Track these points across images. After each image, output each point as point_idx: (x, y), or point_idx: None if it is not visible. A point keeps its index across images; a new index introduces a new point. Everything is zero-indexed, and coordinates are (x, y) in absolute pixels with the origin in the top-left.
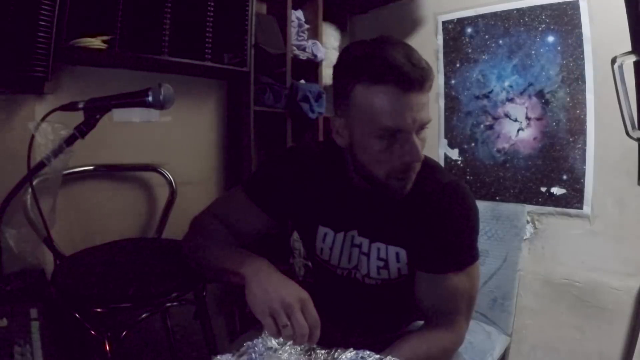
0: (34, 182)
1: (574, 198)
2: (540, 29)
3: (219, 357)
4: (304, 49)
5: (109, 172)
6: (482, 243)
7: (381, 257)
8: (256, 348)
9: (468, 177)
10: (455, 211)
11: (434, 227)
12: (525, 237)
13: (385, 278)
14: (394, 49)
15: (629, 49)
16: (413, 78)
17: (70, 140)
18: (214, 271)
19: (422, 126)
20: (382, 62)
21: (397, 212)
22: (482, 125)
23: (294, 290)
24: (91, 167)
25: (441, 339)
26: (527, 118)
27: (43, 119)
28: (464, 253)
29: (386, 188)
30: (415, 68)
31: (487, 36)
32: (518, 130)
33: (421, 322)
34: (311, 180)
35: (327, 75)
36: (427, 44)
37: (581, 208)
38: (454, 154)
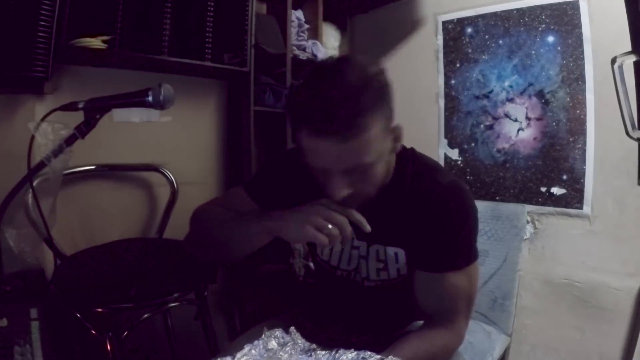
0: (34, 182)
1: (574, 198)
2: (540, 29)
3: (219, 359)
4: (304, 49)
5: (109, 172)
6: (482, 243)
7: (380, 259)
8: (256, 350)
9: (468, 177)
10: (454, 211)
11: (433, 226)
12: (525, 237)
13: (384, 279)
14: (317, 91)
15: (629, 49)
16: (320, 128)
17: (70, 140)
18: (229, 249)
19: (353, 168)
20: (297, 106)
21: (396, 213)
22: (482, 125)
23: (312, 202)
24: (91, 167)
25: (441, 338)
26: (527, 118)
27: (43, 119)
28: (463, 253)
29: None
30: (326, 119)
31: (487, 36)
32: (518, 130)
33: (421, 322)
34: (312, 181)
35: None
36: (427, 44)
37: (581, 208)
38: (454, 154)
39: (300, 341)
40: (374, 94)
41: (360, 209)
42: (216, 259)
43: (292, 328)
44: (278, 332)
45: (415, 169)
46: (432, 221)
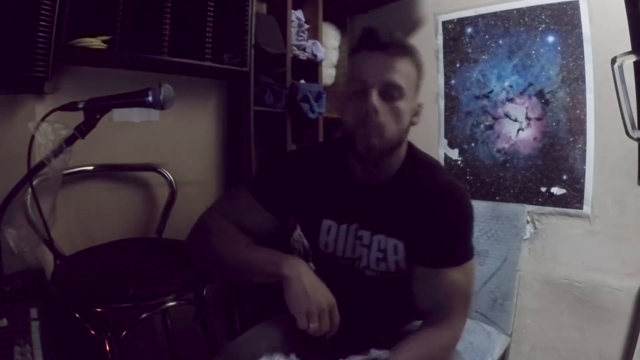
0: (34, 182)
1: (574, 198)
2: (540, 29)
3: None
4: (304, 49)
5: (109, 172)
6: (482, 243)
7: (381, 249)
8: None
9: (468, 177)
10: (451, 208)
11: (431, 222)
12: (525, 237)
13: (384, 270)
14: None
15: (629, 49)
16: (377, 43)
17: (70, 140)
18: (237, 270)
19: (388, 86)
20: (362, 32)
21: (397, 205)
22: (482, 125)
23: (327, 297)
24: (91, 167)
25: (438, 337)
26: (527, 118)
27: (43, 119)
28: (460, 249)
29: (356, 143)
30: (384, 34)
31: (487, 36)
32: (518, 130)
33: (419, 322)
34: (314, 177)
35: (327, 75)
36: (427, 44)
37: (581, 208)
38: (454, 154)
39: None
40: (417, 53)
41: (367, 201)
42: (217, 274)
43: (293, 355)
44: (278, 357)
45: (415, 165)
46: (430, 217)
